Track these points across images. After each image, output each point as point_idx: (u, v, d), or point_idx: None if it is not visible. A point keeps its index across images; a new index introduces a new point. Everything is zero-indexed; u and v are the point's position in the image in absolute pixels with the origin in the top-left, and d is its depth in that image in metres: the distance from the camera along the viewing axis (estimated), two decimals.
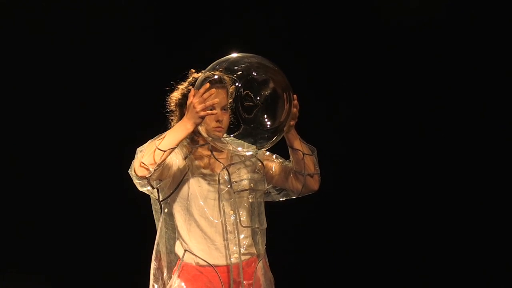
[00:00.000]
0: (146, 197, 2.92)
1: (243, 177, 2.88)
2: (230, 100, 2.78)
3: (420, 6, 4.36)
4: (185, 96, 2.79)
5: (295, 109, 2.75)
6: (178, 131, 2.66)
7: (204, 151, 2.87)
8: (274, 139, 2.74)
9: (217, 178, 2.83)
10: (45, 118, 4.47)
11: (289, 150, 2.87)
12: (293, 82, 2.76)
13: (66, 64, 4.43)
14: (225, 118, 2.77)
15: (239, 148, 2.83)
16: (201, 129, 2.75)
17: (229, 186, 2.83)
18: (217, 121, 2.76)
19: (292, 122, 2.78)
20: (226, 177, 2.84)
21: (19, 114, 4.47)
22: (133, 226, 4.27)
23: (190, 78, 2.84)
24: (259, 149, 2.78)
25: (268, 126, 2.71)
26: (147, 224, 3.08)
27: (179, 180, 2.81)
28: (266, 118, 2.71)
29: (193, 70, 2.85)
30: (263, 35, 4.23)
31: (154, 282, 2.88)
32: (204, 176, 2.83)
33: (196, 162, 2.84)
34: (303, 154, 2.84)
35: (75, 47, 4.42)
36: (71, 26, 4.40)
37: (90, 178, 4.48)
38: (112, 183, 4.31)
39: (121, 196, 4.24)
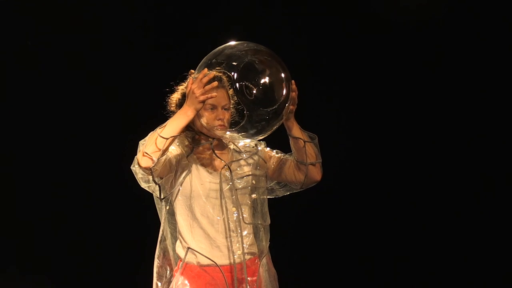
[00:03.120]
0: (148, 195, 2.92)
1: (245, 174, 2.89)
2: (232, 101, 2.83)
3: (419, 6, 4.36)
4: (185, 97, 2.78)
5: (294, 93, 2.76)
6: (179, 118, 2.67)
7: (205, 150, 2.88)
8: (276, 121, 2.73)
9: (219, 176, 2.84)
10: (45, 118, 4.48)
11: (290, 139, 2.87)
12: (294, 79, 2.79)
13: (65, 64, 4.44)
14: (226, 117, 2.81)
15: (241, 143, 2.89)
16: (203, 120, 2.76)
17: (231, 183, 2.84)
18: (219, 119, 2.78)
19: (292, 107, 2.78)
20: (228, 174, 2.85)
21: (18, 115, 4.47)
22: (136, 224, 4.28)
23: (189, 79, 2.85)
24: (260, 138, 2.78)
25: (269, 106, 2.71)
26: (150, 222, 3.10)
27: (181, 178, 2.81)
28: (267, 98, 2.70)
29: (192, 71, 2.85)
30: (263, 35, 4.23)
31: (157, 280, 2.88)
32: (206, 174, 2.84)
33: (198, 161, 2.85)
34: (304, 142, 2.85)
35: (74, 47, 4.43)
36: (70, 25, 4.41)
37: (91, 177, 4.49)
38: (113, 182, 4.32)
39: (123, 195, 4.26)
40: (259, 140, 2.96)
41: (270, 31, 4.31)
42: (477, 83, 4.42)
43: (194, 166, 2.83)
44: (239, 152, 2.94)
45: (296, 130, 2.85)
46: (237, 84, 2.70)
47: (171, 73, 2.93)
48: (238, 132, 2.75)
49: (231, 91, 2.84)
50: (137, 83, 4.39)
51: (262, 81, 2.71)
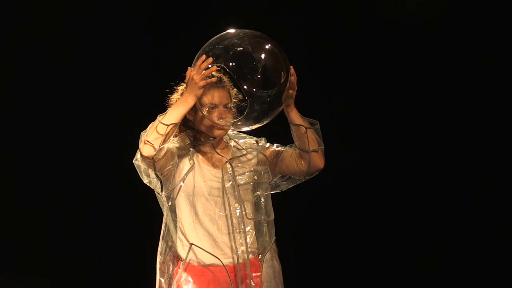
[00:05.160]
0: (149, 194, 2.94)
1: (247, 170, 2.90)
2: (235, 100, 2.85)
3: (419, 6, 4.37)
4: None
5: (293, 77, 2.76)
6: (180, 106, 2.69)
7: (206, 148, 2.89)
8: (277, 104, 2.73)
9: (220, 173, 2.84)
10: (45, 118, 4.48)
11: (291, 127, 2.87)
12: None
13: (65, 63, 4.44)
14: (228, 116, 2.82)
15: (241, 141, 2.91)
16: (204, 109, 2.76)
17: (233, 180, 2.84)
18: (220, 118, 2.79)
19: (292, 92, 2.78)
20: (229, 171, 2.85)
21: (18, 115, 4.48)
22: (136, 223, 4.28)
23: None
24: (263, 123, 2.78)
25: (270, 88, 2.71)
26: (150, 220, 3.11)
27: (182, 174, 2.82)
28: (267, 80, 2.71)
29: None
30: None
31: (160, 276, 2.88)
32: (208, 171, 2.84)
33: (200, 158, 2.86)
34: (306, 128, 2.85)
35: (74, 46, 4.43)
36: (70, 25, 4.42)
37: (91, 177, 4.49)
38: (113, 182, 4.33)
39: (124, 195, 4.27)
40: (260, 136, 2.99)
41: (270, 31, 4.31)
42: (477, 83, 4.42)
43: (196, 163, 2.84)
44: (240, 149, 2.95)
45: (296, 117, 2.85)
46: (237, 73, 2.70)
47: (171, 73, 2.93)
48: (241, 120, 2.76)
49: (234, 91, 2.86)
50: (137, 83, 4.39)
51: (261, 64, 2.71)
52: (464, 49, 4.42)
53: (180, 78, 2.87)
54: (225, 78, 2.84)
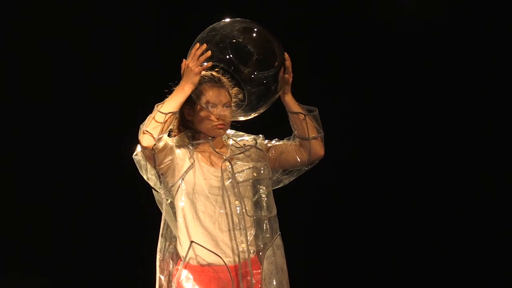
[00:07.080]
0: (149, 193, 2.94)
1: (246, 167, 2.90)
2: (234, 100, 2.85)
3: (419, 6, 4.37)
4: None
5: (288, 62, 2.78)
6: (177, 95, 2.72)
7: (205, 147, 2.90)
8: (274, 86, 2.75)
9: (220, 171, 2.85)
10: (45, 118, 4.48)
11: (290, 116, 2.89)
12: (295, 79, 2.83)
13: (65, 63, 4.44)
14: (227, 114, 2.82)
15: (239, 139, 2.92)
16: (203, 97, 2.77)
17: (232, 177, 2.85)
18: (219, 118, 2.80)
19: (287, 76, 2.80)
20: (229, 168, 2.86)
21: (18, 115, 4.48)
22: (136, 222, 4.28)
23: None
24: (262, 109, 2.78)
25: (265, 69, 2.73)
26: (151, 219, 3.11)
27: (182, 173, 2.82)
28: (262, 62, 2.74)
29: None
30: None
31: (160, 273, 2.88)
32: (207, 170, 2.85)
33: (199, 158, 2.87)
34: (304, 115, 2.86)
35: (73, 46, 4.43)
36: (69, 25, 4.42)
37: (91, 177, 4.49)
38: (113, 182, 4.33)
39: (123, 195, 4.27)
40: (258, 134, 3.01)
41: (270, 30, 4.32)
42: (477, 83, 4.42)
43: (195, 163, 2.85)
44: (238, 147, 2.96)
45: (294, 105, 2.87)
46: (232, 62, 2.72)
47: (170, 74, 2.93)
48: (240, 107, 2.78)
49: (234, 91, 2.86)
50: (137, 83, 4.39)
51: (254, 48, 2.73)
52: (464, 49, 4.42)
53: (179, 78, 2.88)
54: (224, 78, 2.86)
